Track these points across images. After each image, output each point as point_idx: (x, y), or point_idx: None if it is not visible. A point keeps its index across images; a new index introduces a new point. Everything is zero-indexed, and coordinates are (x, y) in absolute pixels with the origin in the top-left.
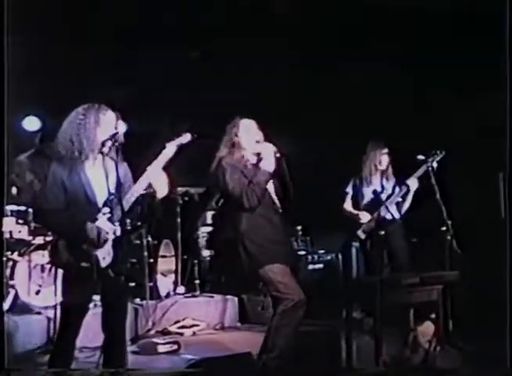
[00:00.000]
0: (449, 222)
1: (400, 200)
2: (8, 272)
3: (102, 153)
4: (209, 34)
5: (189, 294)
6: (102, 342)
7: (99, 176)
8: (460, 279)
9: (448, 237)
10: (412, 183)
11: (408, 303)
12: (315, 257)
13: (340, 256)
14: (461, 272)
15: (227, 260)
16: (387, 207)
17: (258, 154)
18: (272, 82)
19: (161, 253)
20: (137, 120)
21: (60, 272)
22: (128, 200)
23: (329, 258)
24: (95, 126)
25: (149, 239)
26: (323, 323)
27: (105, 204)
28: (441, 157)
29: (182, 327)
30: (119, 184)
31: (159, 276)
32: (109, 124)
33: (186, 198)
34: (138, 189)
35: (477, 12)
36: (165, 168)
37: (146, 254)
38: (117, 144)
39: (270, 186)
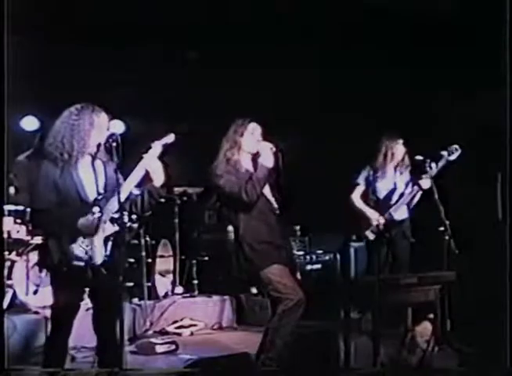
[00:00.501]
0: (447, 223)
1: (410, 200)
2: (5, 271)
3: (91, 153)
4: (206, 34)
5: (187, 295)
6: (96, 343)
7: (90, 176)
8: (458, 279)
9: (446, 237)
10: (425, 183)
11: (406, 303)
12: (314, 257)
13: (338, 256)
14: (459, 273)
15: (225, 260)
16: (397, 208)
17: (256, 153)
18: (272, 78)
19: (159, 253)
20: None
21: (51, 271)
22: (123, 195)
23: (327, 258)
24: (89, 128)
25: (147, 239)
26: (321, 323)
27: (95, 204)
28: (458, 154)
29: (180, 327)
30: (109, 184)
31: (157, 276)
32: (102, 126)
33: (184, 198)
34: (133, 180)
35: (477, 11)
36: (161, 157)
37: (143, 254)
38: (107, 145)
39: (266, 187)
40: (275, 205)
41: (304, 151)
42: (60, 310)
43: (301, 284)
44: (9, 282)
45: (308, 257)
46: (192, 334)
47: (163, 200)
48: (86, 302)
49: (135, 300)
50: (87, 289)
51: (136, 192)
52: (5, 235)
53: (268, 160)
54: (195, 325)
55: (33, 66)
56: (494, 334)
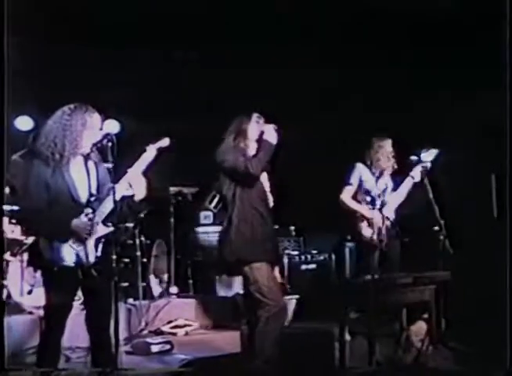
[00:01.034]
0: (442, 222)
1: (402, 198)
2: None
3: (84, 154)
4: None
5: (183, 294)
6: (89, 343)
7: (83, 177)
8: (453, 279)
9: (441, 237)
10: (409, 183)
11: (401, 303)
12: (309, 257)
13: (333, 256)
14: (453, 272)
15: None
16: (390, 207)
17: (261, 134)
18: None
19: (154, 253)
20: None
21: (43, 271)
22: (110, 200)
23: (322, 258)
24: (81, 129)
25: (143, 239)
26: (317, 323)
27: (87, 205)
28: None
29: (175, 326)
30: (100, 185)
31: (152, 276)
32: (95, 127)
33: (180, 198)
34: (119, 191)
35: (477, 11)
36: (145, 172)
37: (139, 253)
38: (102, 145)
39: (265, 180)
40: (271, 200)
41: (299, 151)
42: (53, 310)
43: (284, 289)
44: (3, 282)
45: (302, 257)
46: (187, 333)
47: (142, 215)
48: (80, 302)
49: (130, 300)
50: (79, 289)
51: (116, 203)
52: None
53: (271, 136)
54: (190, 325)
55: (27, 66)
56: (490, 334)
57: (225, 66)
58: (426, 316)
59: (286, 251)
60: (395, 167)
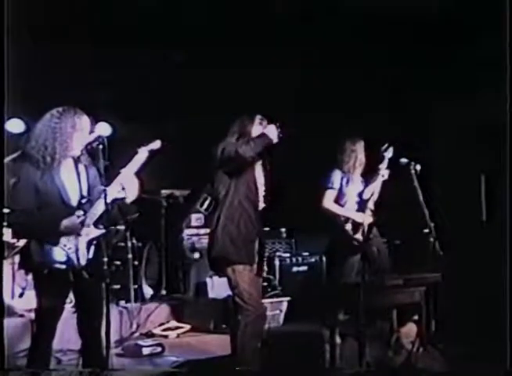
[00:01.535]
0: (432, 225)
1: (377, 196)
2: None
3: (74, 157)
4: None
5: (174, 297)
6: (80, 346)
7: (73, 180)
8: (443, 280)
9: (431, 239)
10: (379, 183)
11: (391, 305)
12: (300, 259)
13: (324, 258)
14: (444, 274)
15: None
16: (367, 207)
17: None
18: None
19: (146, 255)
20: (113, 123)
21: (33, 274)
22: (101, 202)
23: (313, 260)
24: (71, 131)
25: (134, 241)
26: (307, 325)
27: (78, 207)
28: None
29: (167, 329)
30: (91, 187)
31: (143, 279)
32: (84, 129)
33: (171, 200)
34: (111, 193)
35: (477, 11)
36: (137, 173)
37: (130, 256)
38: (93, 147)
39: (260, 182)
40: (261, 202)
41: (292, 152)
42: (44, 313)
43: (262, 295)
44: None
45: (294, 259)
46: (178, 336)
47: (131, 218)
48: (72, 305)
49: (122, 302)
50: (70, 292)
51: (107, 205)
52: None
53: (271, 133)
54: (181, 327)
55: (21, 68)
56: (482, 334)
57: (218, 68)
58: (416, 317)
59: (278, 253)
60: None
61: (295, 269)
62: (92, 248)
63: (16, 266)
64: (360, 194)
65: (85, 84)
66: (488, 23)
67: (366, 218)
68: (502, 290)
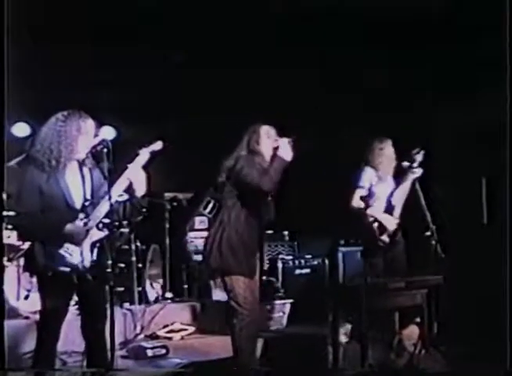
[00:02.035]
0: (433, 227)
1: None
2: None
3: (79, 160)
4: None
5: (178, 299)
6: (86, 348)
7: (78, 183)
8: (444, 283)
9: (433, 242)
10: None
11: (393, 307)
12: (302, 262)
13: (326, 261)
14: (445, 277)
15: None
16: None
17: (275, 148)
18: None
19: (150, 258)
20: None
21: (37, 277)
22: (105, 205)
23: (316, 262)
24: (76, 134)
25: (138, 244)
26: (310, 327)
27: (82, 210)
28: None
29: (171, 331)
30: (95, 190)
31: (147, 281)
32: (89, 132)
33: (174, 203)
34: (117, 190)
35: (477, 11)
36: (144, 167)
37: (134, 259)
38: (97, 151)
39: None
40: (269, 212)
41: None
42: (48, 315)
43: (259, 300)
44: None
45: (296, 261)
46: (182, 338)
47: (144, 210)
48: (76, 307)
49: (126, 305)
50: (74, 294)
51: (119, 201)
52: None
53: (286, 152)
54: (185, 329)
55: (24, 72)
56: (483, 336)
57: (221, 69)
58: (418, 320)
59: (281, 256)
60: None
61: (298, 271)
62: (96, 251)
63: (21, 269)
64: (389, 195)
65: (87, 85)
66: (488, 23)
67: (393, 220)
68: (503, 291)
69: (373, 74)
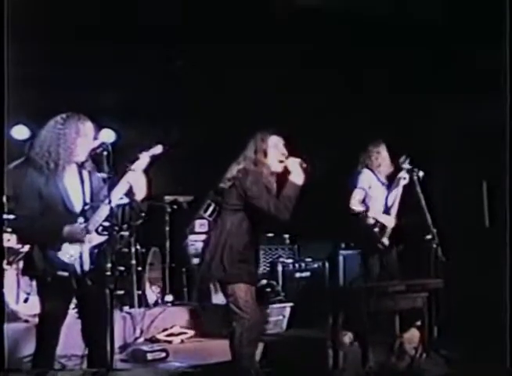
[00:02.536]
0: (434, 230)
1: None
2: None
3: (78, 163)
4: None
5: (178, 302)
6: (85, 351)
7: (77, 186)
8: (445, 286)
9: (434, 245)
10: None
11: (394, 310)
12: (303, 265)
13: (327, 264)
14: (446, 280)
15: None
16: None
17: (285, 168)
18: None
19: (149, 261)
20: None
21: (36, 280)
22: (104, 208)
23: (316, 266)
24: (75, 137)
25: (138, 247)
26: (310, 330)
27: (81, 213)
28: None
29: (171, 334)
30: (94, 193)
31: (147, 285)
32: (89, 135)
33: (175, 206)
34: (117, 194)
35: (477, 11)
36: (145, 171)
37: (134, 262)
38: (97, 154)
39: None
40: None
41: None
42: (47, 319)
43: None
44: None
45: (297, 265)
46: (182, 341)
47: (143, 214)
48: (76, 310)
49: (126, 308)
50: (74, 298)
51: (119, 205)
52: None
53: (298, 177)
54: (185, 333)
55: (24, 74)
56: (484, 340)
57: (224, 72)
58: (419, 323)
59: (281, 259)
60: (389, 171)
61: (298, 274)
62: (96, 254)
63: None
64: (386, 197)
65: (86, 88)
66: (488, 28)
67: (392, 222)
68: (504, 295)
69: (372, 76)
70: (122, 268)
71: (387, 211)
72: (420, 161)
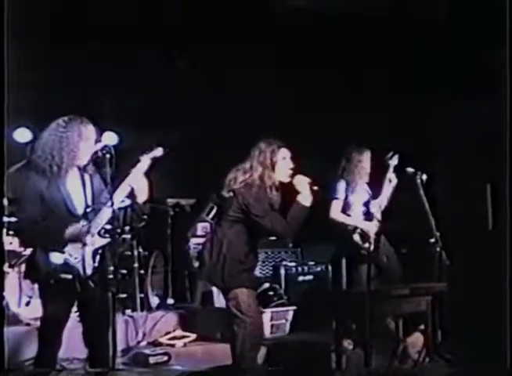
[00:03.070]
0: (438, 234)
1: (385, 202)
2: None
3: (80, 166)
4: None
5: (180, 306)
6: (86, 354)
7: (79, 189)
8: (449, 290)
9: (437, 249)
10: (389, 189)
11: (397, 314)
12: (306, 268)
13: (330, 268)
14: (450, 284)
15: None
16: (375, 216)
17: (293, 186)
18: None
19: (152, 264)
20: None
21: (39, 283)
22: (106, 211)
23: (319, 269)
24: (78, 140)
25: (140, 250)
26: (313, 334)
27: (83, 216)
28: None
29: (173, 338)
30: (96, 196)
31: (149, 288)
32: (91, 138)
33: (177, 209)
34: (119, 195)
35: (477, 11)
36: (146, 174)
37: (136, 265)
38: (99, 156)
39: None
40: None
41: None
42: (49, 322)
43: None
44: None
45: (300, 268)
46: (185, 345)
47: (145, 217)
48: (78, 313)
49: (128, 311)
50: (76, 301)
51: (120, 208)
52: None
53: (307, 199)
54: (187, 336)
55: (25, 76)
56: (488, 343)
57: (226, 75)
58: (422, 327)
59: (284, 263)
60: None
61: (301, 278)
62: (98, 257)
63: (23, 275)
64: (366, 203)
65: (88, 91)
66: (488, 28)
67: (374, 227)
68: (509, 298)
69: (372, 77)
70: (124, 271)
71: (368, 216)
72: (422, 164)
